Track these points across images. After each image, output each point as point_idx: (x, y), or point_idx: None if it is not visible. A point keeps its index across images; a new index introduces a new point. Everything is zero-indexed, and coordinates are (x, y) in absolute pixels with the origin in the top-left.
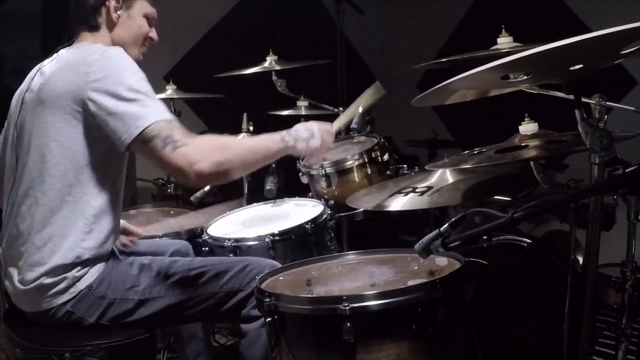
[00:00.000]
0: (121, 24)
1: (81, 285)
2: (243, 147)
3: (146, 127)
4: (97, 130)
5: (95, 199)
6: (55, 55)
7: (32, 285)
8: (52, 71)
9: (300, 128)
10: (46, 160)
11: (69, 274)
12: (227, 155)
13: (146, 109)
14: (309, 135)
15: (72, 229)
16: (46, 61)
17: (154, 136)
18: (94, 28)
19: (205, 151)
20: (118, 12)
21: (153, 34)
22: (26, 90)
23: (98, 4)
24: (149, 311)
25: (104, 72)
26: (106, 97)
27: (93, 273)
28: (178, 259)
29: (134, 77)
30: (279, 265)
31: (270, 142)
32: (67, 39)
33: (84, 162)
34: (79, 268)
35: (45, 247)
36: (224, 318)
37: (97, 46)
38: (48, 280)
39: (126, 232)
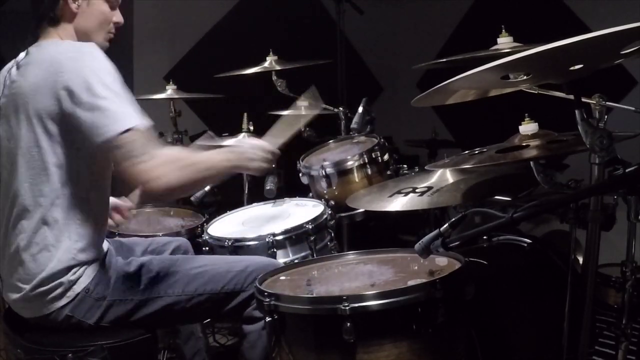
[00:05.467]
0: (82, 13)
1: (77, 288)
2: (198, 168)
3: (111, 136)
4: (72, 129)
5: (83, 201)
6: (22, 55)
7: (30, 293)
8: (24, 72)
9: (245, 145)
10: (23, 168)
11: (64, 279)
12: (180, 178)
13: (119, 111)
14: (252, 154)
15: (64, 233)
16: (9, 65)
17: (119, 146)
18: (54, 21)
19: (160, 171)
20: (77, 2)
21: (117, 17)
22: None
23: None
24: (149, 311)
25: (78, 70)
26: (78, 94)
27: (89, 275)
28: (178, 257)
29: (109, 76)
30: (281, 264)
31: (222, 163)
32: (33, 38)
33: (62, 164)
34: (74, 271)
35: (39, 254)
36: (225, 318)
37: (68, 43)
38: (45, 287)
39: (115, 209)
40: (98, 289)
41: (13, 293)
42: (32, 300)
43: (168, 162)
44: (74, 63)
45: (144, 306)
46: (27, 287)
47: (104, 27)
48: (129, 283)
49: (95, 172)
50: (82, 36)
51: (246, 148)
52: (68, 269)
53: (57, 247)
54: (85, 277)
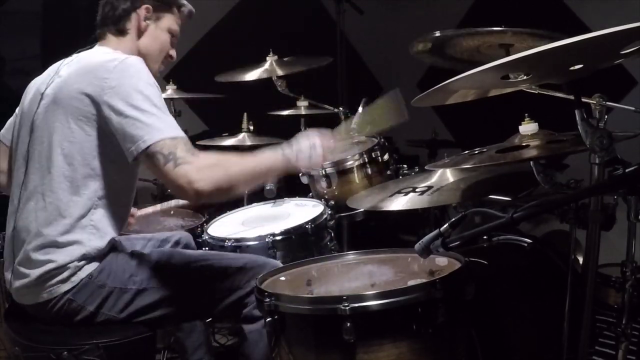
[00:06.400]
0: (148, 34)
1: (82, 274)
2: (245, 166)
3: (153, 143)
4: (108, 134)
5: (104, 200)
6: (74, 56)
7: (37, 278)
8: (70, 72)
9: (302, 142)
10: (58, 160)
11: (71, 265)
12: (228, 176)
13: (157, 122)
14: (311, 151)
15: (79, 228)
16: (66, 60)
17: (157, 152)
18: (121, 32)
19: (206, 171)
20: (147, 22)
21: (173, 52)
22: (46, 87)
23: (130, 9)
24: (147, 302)
25: (122, 79)
26: (121, 104)
27: (94, 263)
28: (179, 251)
29: (150, 88)
30: (280, 264)
31: (272, 160)
32: (93, 40)
33: (94, 163)
34: (81, 259)
35: (52, 245)
36: (222, 316)
37: (117, 53)
38: (52, 273)
39: None
40: (101, 276)
41: (18, 279)
42: (37, 283)
43: (212, 163)
44: (119, 73)
45: (141, 296)
46: (36, 272)
47: (161, 55)
48: (129, 272)
49: (124, 173)
50: (142, 57)
51: (303, 146)
52: (78, 259)
53: (71, 240)
54: (91, 265)
